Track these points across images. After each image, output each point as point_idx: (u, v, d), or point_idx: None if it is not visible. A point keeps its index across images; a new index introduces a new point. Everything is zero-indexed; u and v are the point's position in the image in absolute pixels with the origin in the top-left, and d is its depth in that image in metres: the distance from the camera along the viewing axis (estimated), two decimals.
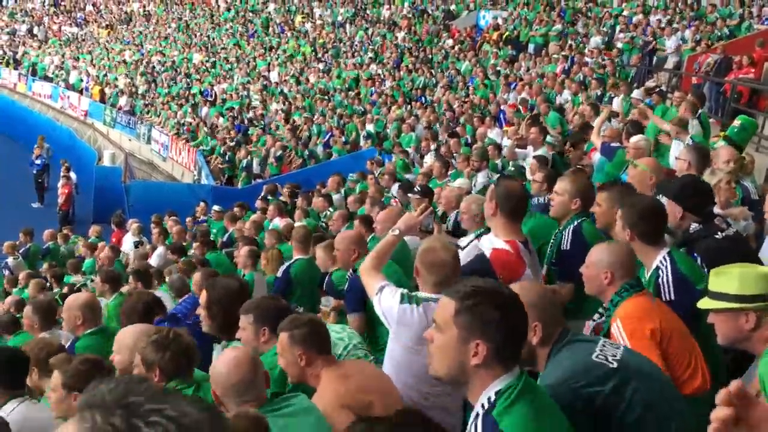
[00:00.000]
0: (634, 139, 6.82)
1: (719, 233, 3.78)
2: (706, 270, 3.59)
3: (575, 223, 4.05)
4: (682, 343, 2.80)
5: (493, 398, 1.93)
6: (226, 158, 18.44)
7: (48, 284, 10.11)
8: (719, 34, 15.13)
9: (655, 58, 15.59)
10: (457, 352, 1.96)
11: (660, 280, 3.25)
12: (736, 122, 5.67)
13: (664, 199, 3.85)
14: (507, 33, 20.90)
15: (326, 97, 20.57)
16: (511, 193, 3.62)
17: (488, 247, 3.55)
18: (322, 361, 3.00)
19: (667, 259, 3.29)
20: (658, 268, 3.29)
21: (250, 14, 31.74)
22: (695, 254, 3.68)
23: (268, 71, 24.70)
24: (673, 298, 3.18)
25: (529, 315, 2.28)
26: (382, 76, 21.03)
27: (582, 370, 2.33)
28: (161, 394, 0.93)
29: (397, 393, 2.97)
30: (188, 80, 25.95)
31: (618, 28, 18.16)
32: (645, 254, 3.33)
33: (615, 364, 2.35)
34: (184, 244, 10.24)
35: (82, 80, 28.41)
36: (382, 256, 3.52)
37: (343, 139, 17.23)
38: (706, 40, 14.01)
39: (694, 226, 3.86)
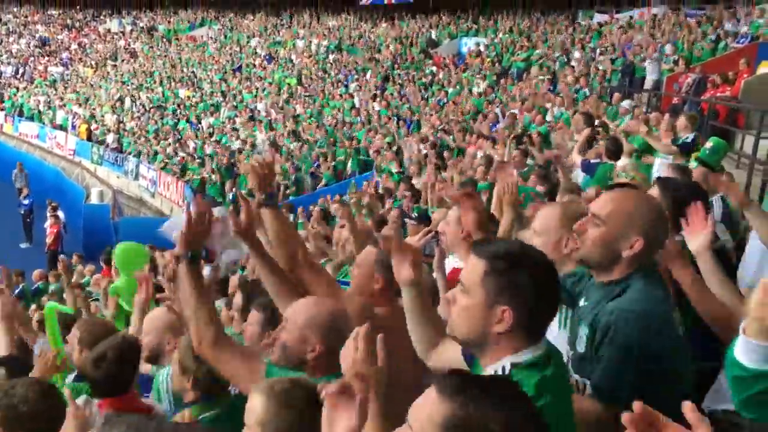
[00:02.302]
0: (621, 163, 6.96)
1: None
2: None
3: None
4: None
5: (507, 369, 1.79)
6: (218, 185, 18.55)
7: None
8: (699, 47, 15.47)
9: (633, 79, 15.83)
10: (480, 316, 1.81)
11: None
12: (708, 144, 5.79)
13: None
14: (489, 59, 21.21)
15: (317, 124, 20.76)
16: None
17: (451, 266, 3.55)
18: None
19: None
20: None
21: (236, 48, 32.04)
22: None
23: (255, 103, 24.90)
24: None
25: (630, 225, 2.18)
26: (367, 103, 21.25)
27: (667, 319, 2.18)
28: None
29: None
30: (176, 115, 26.09)
31: (598, 51, 18.50)
32: None
33: (681, 332, 2.24)
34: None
35: (68, 119, 28.51)
36: None
37: (333, 164, 17.40)
38: (684, 60, 14.28)
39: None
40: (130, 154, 23.96)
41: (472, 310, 1.82)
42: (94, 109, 29.06)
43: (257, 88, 26.41)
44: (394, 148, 16.19)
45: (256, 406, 2.01)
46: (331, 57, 27.51)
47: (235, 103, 25.49)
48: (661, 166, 6.91)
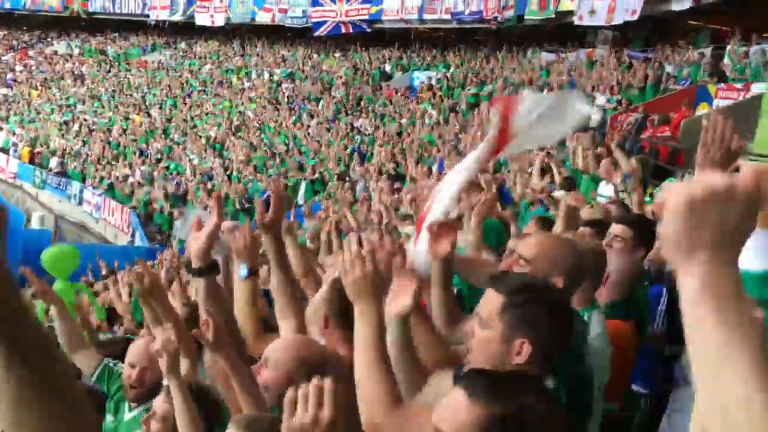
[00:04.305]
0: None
1: None
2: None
3: None
4: None
5: None
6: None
7: None
8: (638, 91, 16.02)
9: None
10: (499, 349, 1.84)
11: None
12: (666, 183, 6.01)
13: None
14: (440, 93, 21.56)
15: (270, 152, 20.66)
16: None
17: None
18: None
19: None
20: None
21: (187, 74, 31.78)
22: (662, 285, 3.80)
23: (206, 130, 24.66)
24: None
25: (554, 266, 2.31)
26: (319, 134, 21.29)
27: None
28: None
29: None
30: (123, 140, 25.60)
31: (545, 90, 18.95)
32: None
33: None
34: None
35: (9, 141, 27.71)
36: None
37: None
38: (626, 99, 14.78)
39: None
40: (73, 178, 23.38)
41: (490, 343, 1.86)
42: (37, 130, 28.31)
43: (207, 114, 26.19)
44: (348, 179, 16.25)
45: None
46: (283, 86, 27.54)
47: (184, 129, 25.19)
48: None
